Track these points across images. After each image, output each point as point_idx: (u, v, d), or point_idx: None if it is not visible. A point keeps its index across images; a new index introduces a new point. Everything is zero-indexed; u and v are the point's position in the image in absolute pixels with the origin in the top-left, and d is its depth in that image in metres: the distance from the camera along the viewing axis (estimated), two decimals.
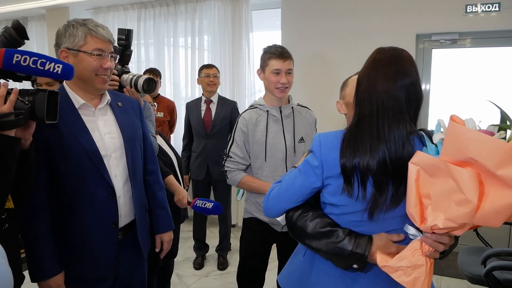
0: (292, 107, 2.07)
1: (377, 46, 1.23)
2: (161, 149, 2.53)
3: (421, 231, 1.09)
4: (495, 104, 1.03)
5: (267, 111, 2.02)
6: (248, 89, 4.29)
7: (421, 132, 1.15)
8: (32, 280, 1.50)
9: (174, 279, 3.20)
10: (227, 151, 2.07)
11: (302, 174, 1.23)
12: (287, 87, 1.97)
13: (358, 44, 3.65)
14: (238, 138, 2.03)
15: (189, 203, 2.23)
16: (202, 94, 3.55)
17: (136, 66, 4.80)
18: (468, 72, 3.55)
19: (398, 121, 1.11)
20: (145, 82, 1.84)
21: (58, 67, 1.21)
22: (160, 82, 3.80)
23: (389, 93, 1.12)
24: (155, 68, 3.74)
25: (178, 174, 2.61)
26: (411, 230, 1.12)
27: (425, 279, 1.05)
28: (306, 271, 1.32)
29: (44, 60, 1.20)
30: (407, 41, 3.51)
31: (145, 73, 3.64)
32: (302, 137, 2.05)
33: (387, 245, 1.13)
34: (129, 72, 1.91)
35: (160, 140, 2.61)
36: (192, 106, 3.55)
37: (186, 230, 4.10)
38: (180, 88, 4.69)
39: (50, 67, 1.21)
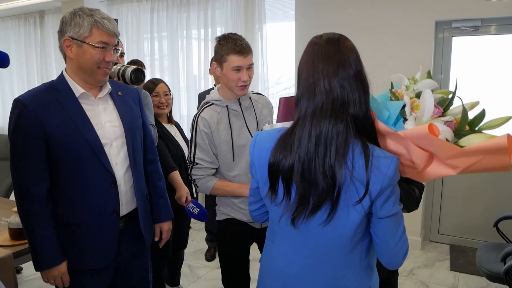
0: (250, 97, 1.91)
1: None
2: (173, 140, 2.51)
3: None
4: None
5: (227, 106, 1.84)
6: (261, 81, 4.24)
7: (371, 146, 1.03)
8: (36, 269, 1.51)
9: (185, 270, 3.20)
10: (192, 158, 1.83)
11: (252, 177, 1.26)
12: (248, 84, 1.80)
13: (375, 34, 3.54)
14: (201, 141, 1.80)
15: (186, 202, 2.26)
16: (214, 85, 3.51)
17: (150, 59, 4.79)
18: (491, 61, 3.41)
19: (335, 122, 1.01)
20: (133, 73, 1.81)
21: None
22: (145, 73, 3.73)
23: (330, 91, 1.02)
24: (138, 60, 3.71)
25: None
26: None
27: None
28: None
29: None
30: (425, 29, 3.39)
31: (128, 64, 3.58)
32: None
33: None
34: (116, 63, 1.88)
35: (174, 131, 2.59)
36: (204, 97, 3.50)
37: (199, 221, 4.09)
38: (193, 80, 4.66)
39: None
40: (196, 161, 1.82)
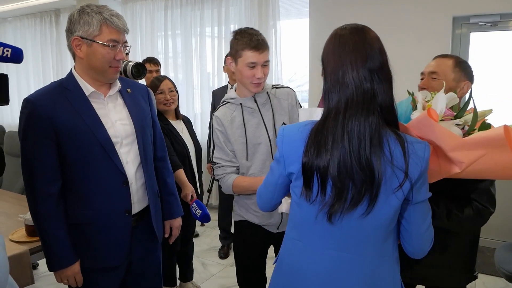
0: (267, 92, 1.81)
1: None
2: (178, 137, 2.51)
3: None
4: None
5: (241, 104, 1.76)
6: (275, 79, 4.21)
7: (402, 134, 1.05)
8: (50, 270, 1.51)
9: (199, 267, 3.21)
10: (211, 158, 1.79)
11: (272, 172, 1.22)
12: (263, 81, 1.73)
13: (391, 30, 3.48)
14: (217, 140, 1.76)
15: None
16: (228, 82, 3.51)
17: (164, 57, 4.81)
18: (510, 58, 3.32)
19: (367, 115, 1.01)
20: (134, 67, 1.83)
21: (7, 51, 1.18)
22: (160, 71, 3.76)
23: (359, 83, 1.02)
24: (153, 57, 3.72)
25: (194, 163, 2.58)
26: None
27: None
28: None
29: None
30: (442, 25, 3.32)
31: (144, 62, 3.64)
32: (284, 123, 1.80)
33: None
34: None
35: (181, 127, 2.59)
36: (218, 94, 3.51)
37: (212, 219, 4.07)
38: (207, 78, 4.67)
39: None
40: (215, 160, 1.78)
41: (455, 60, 1.62)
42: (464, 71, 1.61)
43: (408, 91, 1.37)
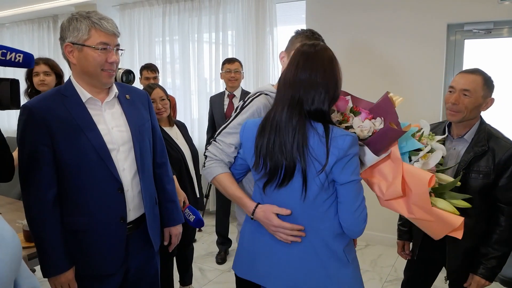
0: None
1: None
2: (173, 144, 2.50)
3: None
4: None
5: None
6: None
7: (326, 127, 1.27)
8: (44, 276, 1.50)
9: (196, 273, 3.21)
10: (215, 136, 1.53)
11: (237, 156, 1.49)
12: None
13: (386, 37, 3.53)
14: (237, 126, 1.50)
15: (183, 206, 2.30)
16: (225, 89, 3.54)
17: (162, 63, 4.83)
18: (504, 64, 3.36)
19: (291, 116, 1.27)
20: (124, 74, 1.88)
21: (19, 56, 1.23)
22: (159, 78, 3.81)
23: (291, 90, 1.29)
24: (151, 64, 3.75)
25: (191, 167, 2.58)
26: None
27: None
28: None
29: (5, 51, 1.22)
30: (437, 32, 3.37)
31: (141, 69, 3.67)
32: None
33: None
34: None
35: (175, 133, 2.59)
36: (216, 100, 3.54)
37: (210, 224, 4.10)
38: (204, 83, 4.69)
39: (11, 57, 1.23)
40: (218, 141, 1.52)
41: (483, 77, 1.70)
42: (489, 88, 1.71)
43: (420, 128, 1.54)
